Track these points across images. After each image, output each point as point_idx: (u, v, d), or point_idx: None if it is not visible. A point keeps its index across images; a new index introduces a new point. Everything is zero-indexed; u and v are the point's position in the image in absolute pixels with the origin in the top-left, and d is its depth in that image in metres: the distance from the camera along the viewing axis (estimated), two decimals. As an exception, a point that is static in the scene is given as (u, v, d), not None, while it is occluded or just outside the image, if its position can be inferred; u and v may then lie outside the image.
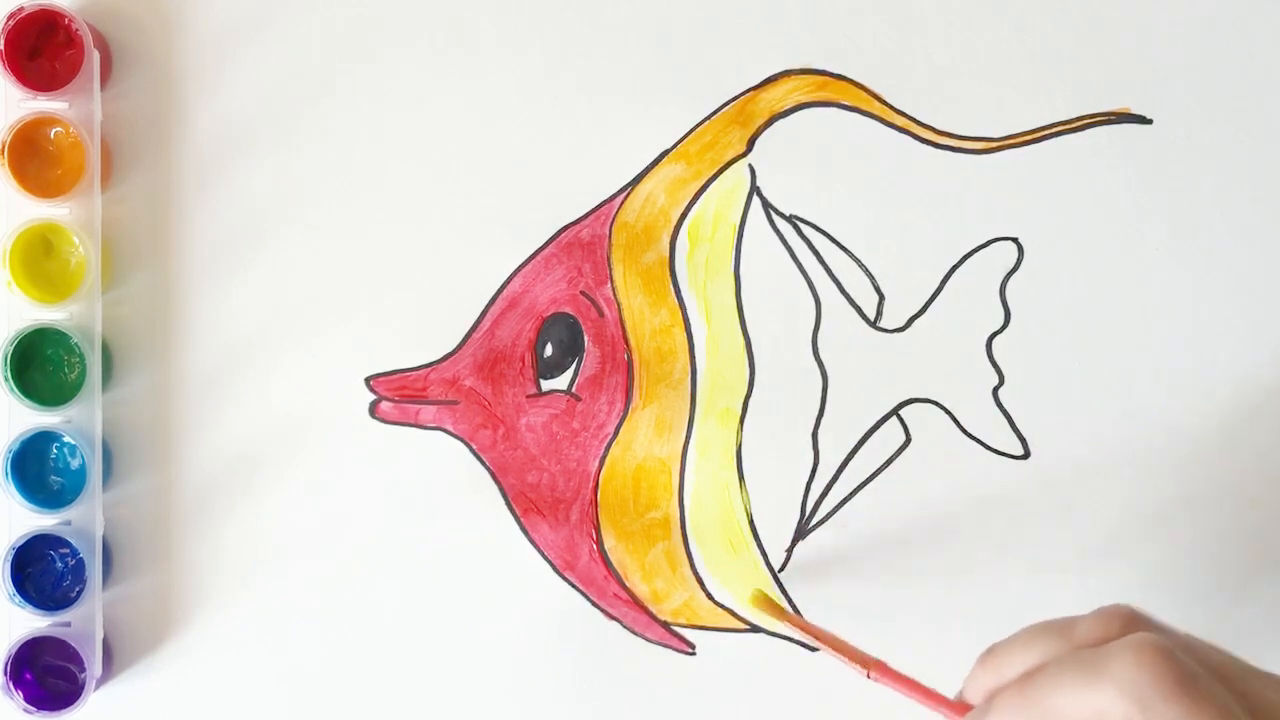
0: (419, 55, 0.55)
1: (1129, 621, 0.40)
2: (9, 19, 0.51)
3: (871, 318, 0.56)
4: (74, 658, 0.53)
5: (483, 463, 0.55)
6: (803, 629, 0.52)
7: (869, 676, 0.48)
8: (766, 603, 0.55)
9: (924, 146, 0.56)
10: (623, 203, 0.55)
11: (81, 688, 0.52)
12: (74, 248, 0.52)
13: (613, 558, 0.56)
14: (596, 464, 0.56)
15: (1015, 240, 0.56)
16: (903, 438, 0.56)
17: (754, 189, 0.56)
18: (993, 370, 0.56)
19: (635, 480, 0.56)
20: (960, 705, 0.44)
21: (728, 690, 0.56)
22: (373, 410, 0.55)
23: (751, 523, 0.56)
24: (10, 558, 0.52)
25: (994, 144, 0.56)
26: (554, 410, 0.56)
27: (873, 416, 0.56)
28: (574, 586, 0.56)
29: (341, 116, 0.55)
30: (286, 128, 0.55)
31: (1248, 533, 0.56)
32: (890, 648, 0.55)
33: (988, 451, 0.56)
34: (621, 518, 0.56)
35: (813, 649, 0.56)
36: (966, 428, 0.56)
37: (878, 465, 0.56)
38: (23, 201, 0.52)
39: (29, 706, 0.52)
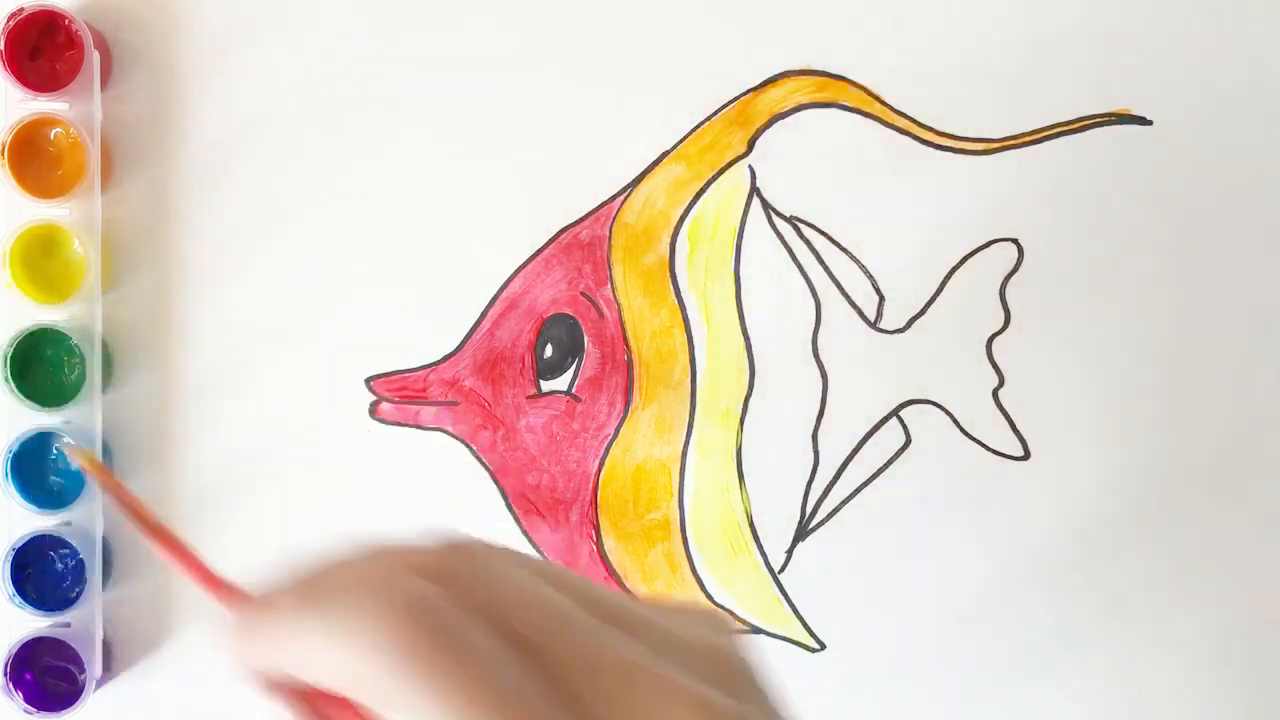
0: (419, 56, 0.55)
1: (449, 554, 0.29)
2: (9, 20, 0.51)
3: (871, 318, 0.56)
4: (74, 658, 0.52)
5: (483, 464, 0.55)
6: (121, 499, 0.34)
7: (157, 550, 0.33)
8: (97, 466, 0.40)
9: (924, 147, 0.56)
10: (623, 204, 0.55)
11: (81, 688, 0.52)
12: (74, 248, 0.52)
13: (612, 559, 0.56)
14: (596, 465, 0.56)
15: (1015, 241, 0.56)
16: (903, 438, 0.56)
17: (754, 190, 0.56)
18: (993, 371, 0.56)
19: (635, 481, 0.56)
20: (235, 593, 0.32)
21: (728, 691, 0.56)
22: (373, 411, 0.55)
23: (751, 524, 0.56)
24: (10, 558, 0.52)
25: (994, 144, 0.56)
26: (554, 411, 0.56)
27: (873, 417, 0.56)
28: (574, 587, 0.55)
29: (341, 117, 0.55)
30: (286, 128, 0.55)
31: (1248, 532, 0.56)
32: (890, 648, 0.55)
33: (988, 452, 0.56)
34: (621, 519, 0.56)
35: (812, 650, 0.56)
36: (966, 428, 0.56)
37: (878, 466, 0.56)
38: (23, 202, 0.52)
39: (29, 707, 0.52)
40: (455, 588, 0.27)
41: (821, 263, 0.56)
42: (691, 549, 0.56)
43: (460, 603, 0.27)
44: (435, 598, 0.27)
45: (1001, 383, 0.56)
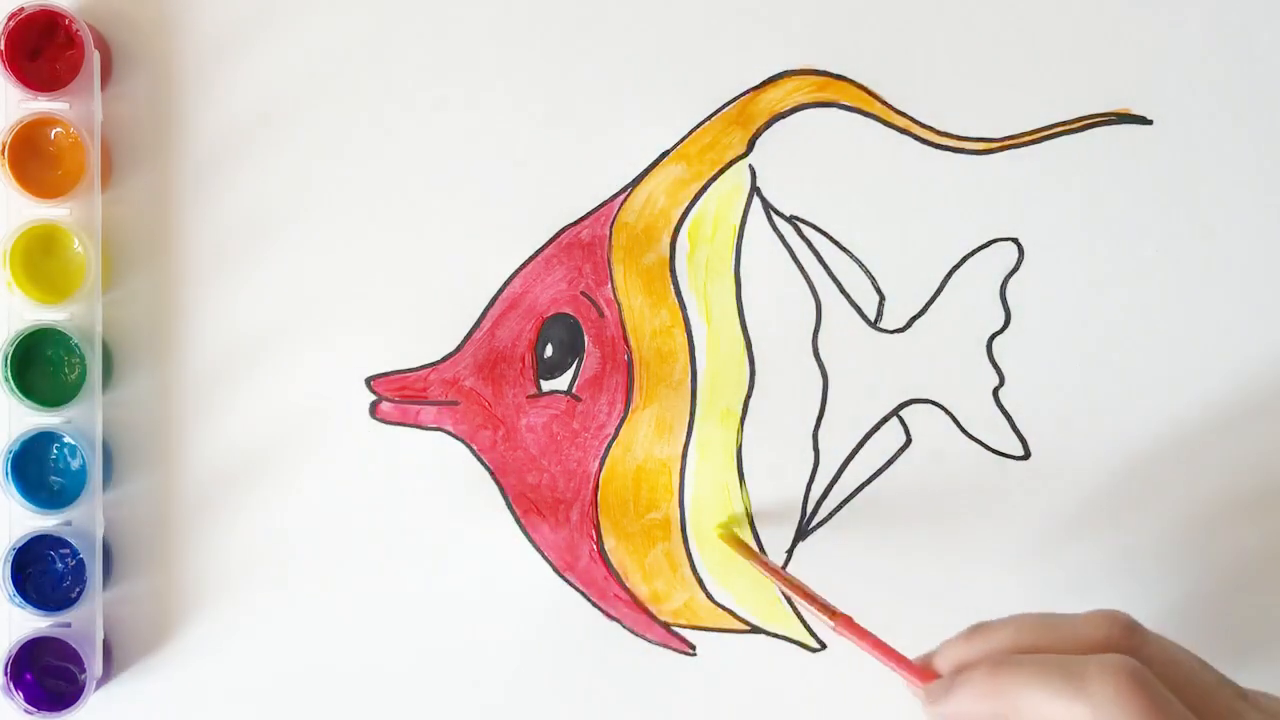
0: (419, 56, 0.55)
1: (1126, 629, 0.39)
2: (10, 19, 0.51)
3: (872, 318, 0.56)
4: (74, 658, 0.52)
5: (483, 463, 0.55)
6: (770, 571, 0.52)
7: (834, 629, 0.47)
8: (734, 540, 0.54)
9: (924, 147, 0.56)
10: (623, 203, 0.55)
11: (81, 688, 0.52)
12: (74, 248, 0.52)
13: (613, 558, 0.56)
14: (597, 465, 0.56)
15: (1015, 241, 0.56)
16: (903, 438, 0.56)
17: (754, 190, 0.56)
18: (993, 370, 0.56)
19: (635, 481, 0.56)
20: (926, 672, 0.43)
21: (728, 691, 0.56)
22: (373, 411, 0.55)
23: (752, 523, 0.56)
24: (10, 558, 0.52)
25: (994, 144, 0.56)
26: (554, 411, 0.56)
27: (873, 417, 0.56)
28: (574, 587, 0.56)
29: (341, 117, 0.55)
30: (286, 128, 0.55)
31: (1247, 532, 0.56)
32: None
33: (988, 452, 0.56)
34: (622, 518, 0.56)
35: (812, 649, 0.56)
36: (967, 428, 0.56)
37: (878, 466, 0.56)
38: (23, 202, 0.52)
39: (29, 707, 0.52)
40: (1176, 673, 0.38)
41: (821, 263, 0.56)
42: (692, 548, 0.56)
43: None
44: (1157, 682, 0.36)
45: (1001, 383, 0.56)
